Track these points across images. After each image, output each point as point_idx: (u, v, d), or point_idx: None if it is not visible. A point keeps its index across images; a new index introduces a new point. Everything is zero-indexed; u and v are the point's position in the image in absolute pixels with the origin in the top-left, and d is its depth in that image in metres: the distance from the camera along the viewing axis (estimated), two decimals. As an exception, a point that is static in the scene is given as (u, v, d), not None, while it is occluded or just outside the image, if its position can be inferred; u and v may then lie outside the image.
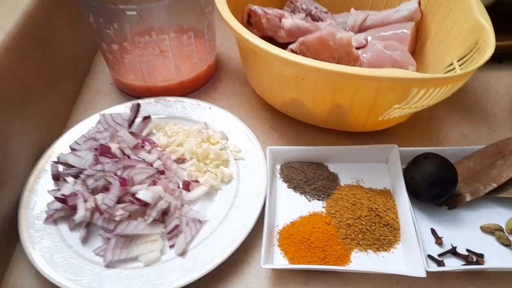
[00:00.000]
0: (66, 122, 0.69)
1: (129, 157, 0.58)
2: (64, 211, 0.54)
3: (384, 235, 0.52)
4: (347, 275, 0.50)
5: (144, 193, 0.52)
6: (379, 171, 0.59)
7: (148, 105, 0.68)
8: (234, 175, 0.59)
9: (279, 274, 0.50)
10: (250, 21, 0.69)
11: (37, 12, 0.61)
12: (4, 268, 0.52)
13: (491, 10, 0.65)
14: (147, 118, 0.65)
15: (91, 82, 0.77)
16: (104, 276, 0.48)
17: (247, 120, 0.67)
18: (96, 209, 0.52)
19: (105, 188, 0.54)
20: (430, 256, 0.50)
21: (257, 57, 0.59)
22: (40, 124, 0.62)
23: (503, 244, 0.52)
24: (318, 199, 0.57)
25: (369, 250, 0.52)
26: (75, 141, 0.61)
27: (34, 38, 0.60)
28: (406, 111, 0.55)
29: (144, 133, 0.64)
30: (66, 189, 0.54)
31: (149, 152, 0.59)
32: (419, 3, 0.68)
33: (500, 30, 0.62)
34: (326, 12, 0.73)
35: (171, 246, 0.52)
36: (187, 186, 0.57)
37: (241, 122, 0.64)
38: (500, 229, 0.52)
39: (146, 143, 0.61)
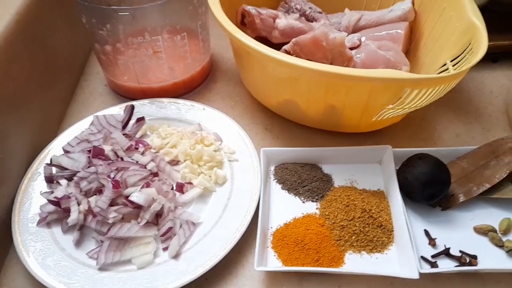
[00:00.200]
0: (60, 123, 0.69)
1: (122, 159, 0.58)
2: (57, 213, 0.53)
3: (377, 236, 0.52)
4: (340, 276, 0.50)
5: (137, 196, 0.52)
6: (373, 172, 0.59)
7: (142, 107, 0.67)
8: (228, 176, 0.59)
9: (273, 276, 0.50)
10: (244, 22, 0.69)
11: (30, 12, 0.60)
12: (-2, 271, 0.51)
13: (486, 10, 0.65)
14: (140, 120, 0.65)
15: (85, 84, 0.77)
16: (97, 279, 0.48)
17: (241, 121, 0.67)
18: (89, 211, 0.52)
19: (99, 191, 0.54)
20: (423, 258, 0.50)
21: (251, 58, 0.59)
22: (34, 125, 0.62)
23: (496, 245, 0.52)
24: (312, 201, 0.57)
25: (363, 252, 0.52)
26: (68, 143, 0.61)
27: (27, 38, 0.60)
28: (400, 112, 0.55)
29: (138, 135, 0.64)
30: (59, 192, 0.54)
31: (142, 154, 0.59)
32: (413, 3, 0.68)
33: (494, 29, 0.62)
34: (320, 12, 0.73)
35: (165, 249, 0.51)
36: (180, 188, 0.56)
37: (235, 123, 0.64)
38: (493, 230, 0.52)
39: (139, 144, 0.61)
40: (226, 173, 0.59)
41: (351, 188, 0.57)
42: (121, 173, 0.54)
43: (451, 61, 0.57)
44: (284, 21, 0.66)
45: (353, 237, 0.52)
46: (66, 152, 0.60)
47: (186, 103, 0.67)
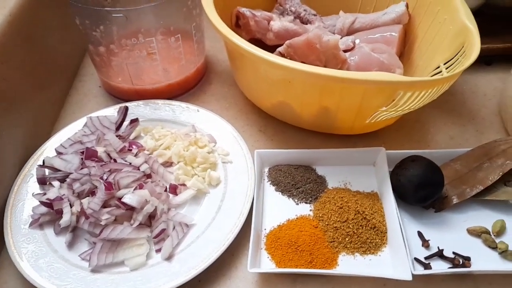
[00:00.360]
0: (54, 125, 0.69)
1: (115, 160, 0.58)
2: (49, 215, 0.53)
3: (371, 238, 0.52)
4: (334, 278, 0.50)
5: (130, 197, 0.52)
6: (367, 174, 0.60)
7: (137, 108, 0.67)
8: (221, 178, 0.59)
9: (266, 278, 0.50)
10: (238, 24, 0.69)
11: (23, 13, 0.60)
12: (-11, 273, 0.51)
13: (479, 13, 0.65)
14: (134, 121, 0.65)
15: (79, 85, 0.76)
16: (89, 281, 0.48)
17: (235, 122, 0.67)
18: (82, 213, 0.52)
19: (91, 192, 0.54)
20: (416, 259, 0.50)
21: (245, 60, 0.59)
22: (27, 127, 0.62)
23: (489, 246, 0.52)
24: (306, 202, 0.57)
25: (356, 253, 0.52)
26: (61, 145, 0.61)
27: (20, 39, 0.60)
28: (393, 114, 0.55)
29: (131, 136, 0.64)
30: (52, 193, 0.54)
31: (136, 155, 0.59)
32: (407, 6, 0.69)
33: (488, 32, 0.63)
34: (314, 15, 0.73)
35: (158, 251, 0.51)
36: (174, 189, 0.56)
37: (229, 125, 0.64)
38: (486, 231, 0.53)
39: (133, 146, 0.61)
40: (220, 175, 0.59)
41: (344, 190, 0.57)
42: (113, 174, 0.54)
43: (445, 63, 0.57)
44: (278, 23, 0.66)
45: (347, 239, 0.52)
46: (59, 153, 0.60)
47: (180, 105, 0.67)
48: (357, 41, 0.67)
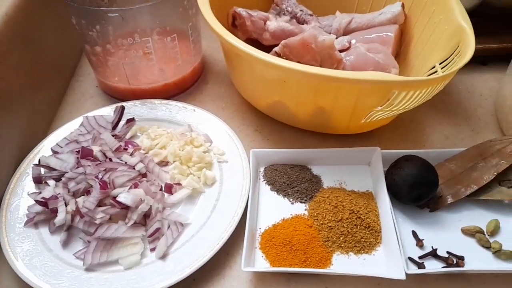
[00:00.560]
0: (50, 124, 0.69)
1: (111, 159, 0.58)
2: (44, 214, 0.53)
3: (365, 237, 0.52)
4: (328, 277, 0.50)
5: (125, 196, 0.52)
6: (362, 174, 0.60)
7: (133, 107, 0.68)
8: (217, 178, 0.59)
9: (261, 277, 0.50)
10: (235, 24, 0.69)
11: (20, 13, 0.60)
12: (-16, 272, 0.51)
13: (475, 13, 0.66)
14: (131, 121, 0.65)
15: (76, 84, 0.77)
16: (83, 280, 0.48)
17: (232, 122, 0.67)
18: (77, 212, 0.52)
19: (86, 191, 0.54)
20: (410, 258, 0.50)
21: (240, 59, 0.59)
22: (23, 126, 0.62)
23: (483, 246, 0.52)
24: (301, 202, 0.57)
25: (351, 253, 0.52)
26: (57, 144, 0.61)
27: (16, 39, 0.60)
28: (389, 114, 0.55)
29: (127, 136, 0.64)
30: (47, 192, 0.54)
31: (131, 154, 0.59)
32: (403, 6, 0.69)
33: (484, 32, 0.63)
34: (311, 15, 0.73)
35: (152, 249, 0.51)
36: (169, 189, 0.56)
37: (225, 124, 0.64)
38: (480, 231, 0.53)
39: (129, 145, 0.61)
40: (215, 174, 0.59)
41: (339, 189, 0.58)
42: (109, 173, 0.54)
43: (440, 63, 0.57)
44: (274, 23, 0.67)
45: (341, 238, 0.52)
46: (55, 152, 0.60)
47: (177, 105, 0.68)
48: (353, 41, 0.67)
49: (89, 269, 0.49)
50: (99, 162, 0.57)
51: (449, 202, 0.55)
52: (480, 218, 0.54)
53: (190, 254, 0.50)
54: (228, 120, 0.66)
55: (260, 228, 0.54)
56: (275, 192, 0.58)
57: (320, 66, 0.61)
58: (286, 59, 0.55)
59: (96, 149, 0.58)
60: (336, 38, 0.67)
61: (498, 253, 0.51)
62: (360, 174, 0.60)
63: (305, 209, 0.56)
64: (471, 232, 0.53)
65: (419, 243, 0.52)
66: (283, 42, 0.61)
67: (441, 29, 0.60)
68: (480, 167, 0.56)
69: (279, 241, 0.52)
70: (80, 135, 0.62)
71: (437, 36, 0.61)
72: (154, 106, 0.68)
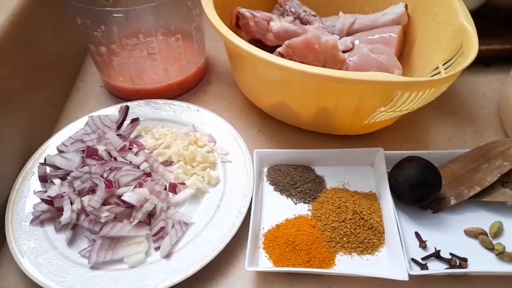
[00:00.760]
0: (56, 124, 0.69)
1: (115, 159, 0.58)
2: (50, 212, 0.54)
3: (368, 238, 0.52)
4: (331, 277, 0.50)
5: (130, 195, 0.52)
6: (365, 174, 0.60)
7: (138, 107, 0.68)
8: (221, 177, 0.59)
9: (264, 276, 0.51)
10: (238, 24, 0.69)
11: (25, 13, 0.61)
12: (-10, 269, 0.52)
13: (479, 14, 0.66)
14: (135, 121, 0.65)
15: (81, 84, 0.77)
16: (88, 278, 0.49)
17: (235, 122, 0.67)
18: (82, 210, 0.52)
19: (92, 190, 0.54)
20: (413, 260, 0.51)
21: (244, 60, 0.59)
22: (28, 125, 0.62)
23: (486, 248, 0.52)
24: (304, 202, 0.57)
25: (354, 253, 0.52)
26: (63, 143, 0.61)
27: (21, 39, 0.60)
28: (392, 114, 0.55)
29: (132, 136, 0.64)
30: (53, 191, 0.54)
31: (136, 154, 0.60)
32: (406, 7, 0.69)
33: (487, 34, 0.63)
34: (314, 16, 0.73)
35: (156, 248, 0.52)
36: (173, 188, 0.57)
37: (229, 124, 0.65)
38: (483, 233, 0.53)
39: (133, 145, 0.61)
40: (219, 174, 0.59)
41: (343, 190, 0.58)
42: (114, 173, 0.55)
43: (444, 64, 0.57)
44: (278, 23, 0.67)
45: (344, 239, 0.52)
46: (60, 151, 0.61)
47: (181, 105, 0.68)
48: (356, 42, 0.67)
49: (94, 267, 0.50)
50: (104, 161, 0.57)
51: (452, 203, 0.55)
52: (483, 219, 0.54)
53: (194, 253, 0.50)
54: (232, 121, 0.67)
55: (263, 228, 0.54)
56: (279, 192, 0.58)
57: (323, 66, 0.61)
58: (290, 59, 0.55)
59: (101, 149, 0.58)
60: (339, 38, 0.67)
61: (501, 255, 0.51)
62: (363, 175, 0.60)
63: (309, 210, 0.56)
64: (474, 234, 0.53)
65: (422, 244, 0.52)
66: (286, 42, 0.61)
67: (444, 30, 0.60)
68: (483, 168, 0.56)
69: (282, 241, 0.52)
70: (85, 134, 0.62)
71: (440, 37, 0.61)
72: (158, 106, 0.68)
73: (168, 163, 0.61)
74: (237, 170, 0.59)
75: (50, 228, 0.53)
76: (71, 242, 0.52)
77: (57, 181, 0.56)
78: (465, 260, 0.50)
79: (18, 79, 0.60)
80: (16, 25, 0.59)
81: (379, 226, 0.53)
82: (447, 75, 0.50)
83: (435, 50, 0.61)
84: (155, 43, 0.63)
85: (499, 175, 0.55)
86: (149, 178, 0.57)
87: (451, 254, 0.51)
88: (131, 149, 0.61)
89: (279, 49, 0.62)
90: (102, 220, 0.51)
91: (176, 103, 0.68)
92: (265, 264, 0.51)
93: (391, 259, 0.50)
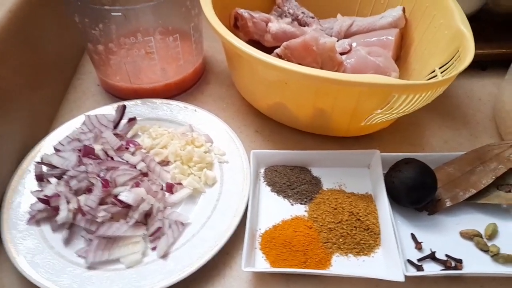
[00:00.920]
0: (52, 122, 0.69)
1: (112, 158, 0.58)
2: (46, 212, 0.53)
3: (364, 239, 0.53)
4: (327, 278, 0.51)
5: (126, 195, 0.52)
6: (362, 176, 0.60)
7: (135, 107, 0.68)
8: (217, 178, 0.59)
9: (260, 277, 0.51)
10: (237, 25, 0.69)
11: (22, 11, 0.60)
12: (-15, 269, 0.51)
13: (475, 19, 0.66)
14: (132, 120, 0.65)
15: (78, 83, 0.77)
16: (85, 278, 0.49)
17: (232, 123, 0.67)
18: (79, 210, 0.52)
19: (88, 190, 0.54)
20: (409, 261, 0.51)
21: (242, 60, 0.60)
22: (24, 124, 0.62)
23: (481, 249, 0.52)
24: (301, 203, 0.57)
25: (350, 254, 0.52)
26: (59, 142, 0.61)
27: (19, 37, 0.60)
28: (388, 117, 0.55)
29: (129, 135, 0.64)
30: (49, 190, 0.54)
31: (133, 154, 0.59)
32: (404, 10, 0.69)
33: (483, 38, 0.63)
34: (312, 17, 0.73)
35: (153, 248, 0.52)
36: (170, 188, 0.57)
37: (226, 125, 0.65)
38: (478, 234, 0.53)
39: (130, 144, 0.61)
40: (216, 175, 0.59)
41: (339, 191, 0.58)
42: (110, 172, 0.54)
43: (440, 68, 0.58)
44: (276, 25, 0.67)
45: (340, 240, 0.53)
46: (57, 150, 0.60)
47: (178, 105, 0.68)
48: (353, 44, 0.67)
49: (90, 267, 0.50)
50: (100, 160, 0.57)
51: (447, 205, 0.55)
52: (478, 221, 0.55)
53: (191, 254, 0.50)
54: (229, 121, 0.67)
55: (260, 229, 0.54)
56: (275, 193, 0.58)
57: (321, 68, 0.61)
58: (287, 60, 0.55)
59: (97, 148, 0.58)
60: (337, 41, 0.67)
61: (496, 256, 0.51)
62: (359, 177, 0.60)
63: (305, 211, 0.56)
64: (469, 236, 0.53)
65: (418, 245, 0.52)
66: (284, 43, 0.61)
67: (441, 33, 0.60)
68: (478, 171, 0.57)
69: (279, 242, 0.52)
70: (82, 133, 0.62)
71: (437, 41, 0.61)
72: (155, 105, 0.68)
73: (165, 163, 0.61)
74: (234, 171, 0.59)
75: (46, 228, 0.53)
76: (67, 241, 0.52)
77: (53, 180, 0.56)
78: (460, 261, 0.51)
79: (16, 78, 0.60)
80: (14, 22, 0.58)
81: (375, 227, 0.54)
82: (444, 79, 0.50)
83: (432, 54, 0.62)
84: (153, 42, 0.63)
85: (494, 177, 0.55)
86: (145, 178, 0.57)
87: (446, 255, 0.52)
88: (127, 148, 0.61)
89: (277, 50, 0.62)
90: (99, 220, 0.51)
91: (173, 102, 0.68)
92: (262, 264, 0.51)
93: (387, 260, 0.51)
